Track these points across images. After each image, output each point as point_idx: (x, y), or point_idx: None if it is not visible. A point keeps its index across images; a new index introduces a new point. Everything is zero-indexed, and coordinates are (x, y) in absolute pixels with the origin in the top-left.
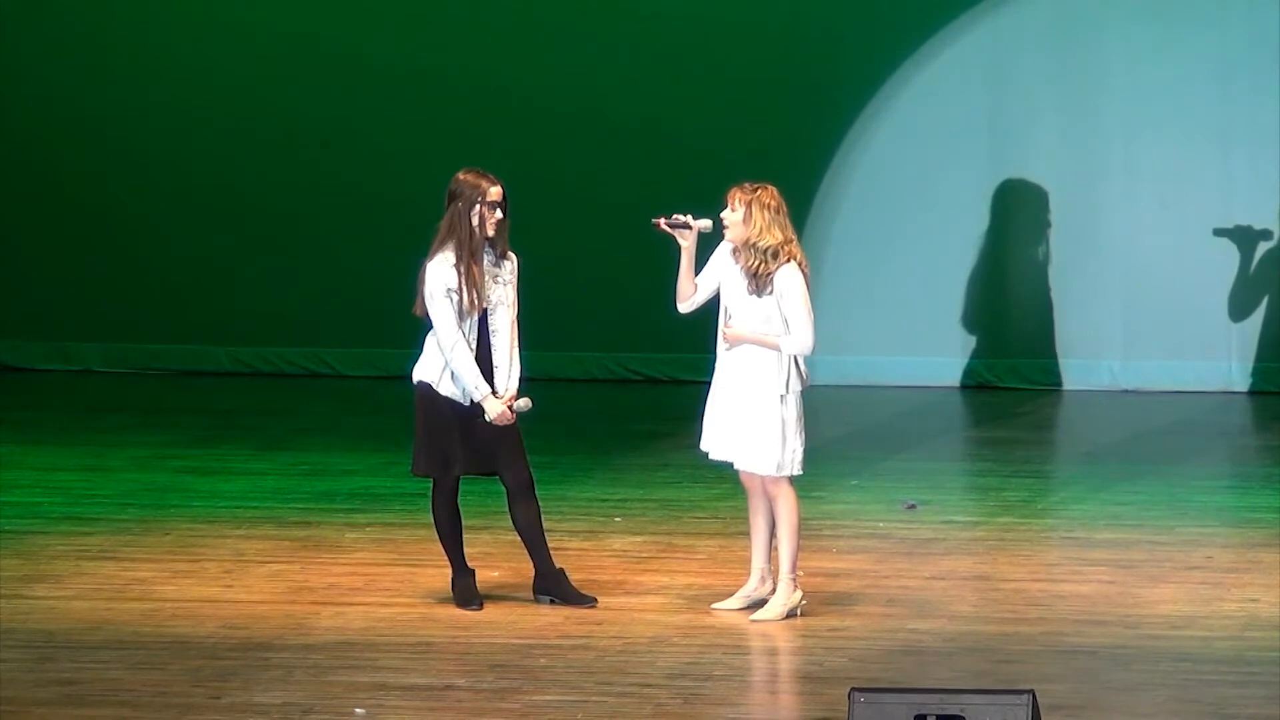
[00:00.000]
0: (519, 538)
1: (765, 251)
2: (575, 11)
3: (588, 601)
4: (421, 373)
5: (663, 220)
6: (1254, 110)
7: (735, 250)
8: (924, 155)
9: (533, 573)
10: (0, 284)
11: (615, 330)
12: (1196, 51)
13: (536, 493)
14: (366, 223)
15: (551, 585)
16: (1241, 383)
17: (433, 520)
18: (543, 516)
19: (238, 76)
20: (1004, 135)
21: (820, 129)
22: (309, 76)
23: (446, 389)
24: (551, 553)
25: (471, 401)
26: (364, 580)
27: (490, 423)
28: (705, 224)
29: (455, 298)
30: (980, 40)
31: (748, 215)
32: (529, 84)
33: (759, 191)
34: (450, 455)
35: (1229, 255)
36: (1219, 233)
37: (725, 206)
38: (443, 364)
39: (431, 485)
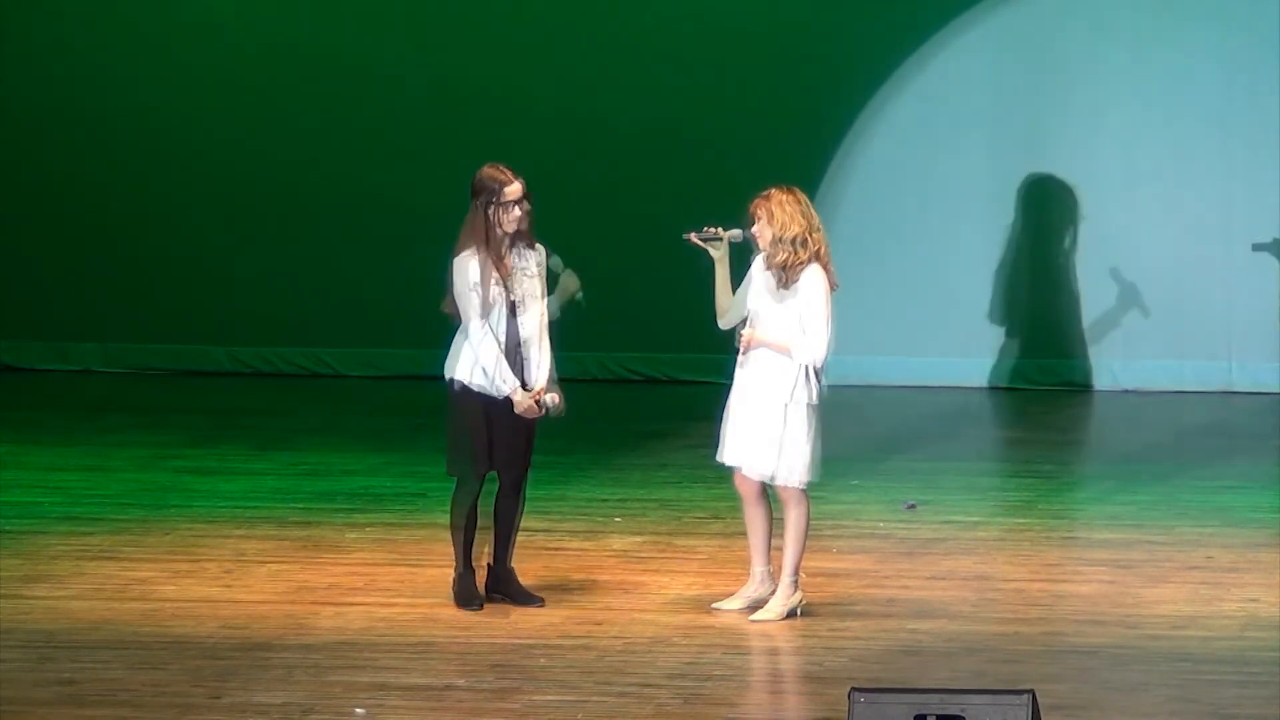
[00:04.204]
0: (493, 527)
1: (793, 241)
2: (574, 13)
3: (535, 601)
4: (456, 370)
5: (693, 234)
6: (1255, 110)
7: (767, 256)
8: (924, 156)
9: (508, 569)
10: (0, 284)
11: (615, 330)
12: (1198, 52)
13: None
14: (366, 223)
15: (503, 583)
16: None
17: (453, 517)
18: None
19: (238, 77)
20: (1004, 136)
21: (820, 130)
22: (311, 78)
23: (478, 382)
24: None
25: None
26: (364, 580)
27: (519, 415)
28: (736, 233)
29: (482, 292)
30: (980, 41)
31: (769, 218)
32: (528, 86)
33: (771, 192)
34: (487, 453)
35: (1229, 255)
36: (1258, 248)
37: (750, 221)
38: (472, 359)
39: (457, 483)
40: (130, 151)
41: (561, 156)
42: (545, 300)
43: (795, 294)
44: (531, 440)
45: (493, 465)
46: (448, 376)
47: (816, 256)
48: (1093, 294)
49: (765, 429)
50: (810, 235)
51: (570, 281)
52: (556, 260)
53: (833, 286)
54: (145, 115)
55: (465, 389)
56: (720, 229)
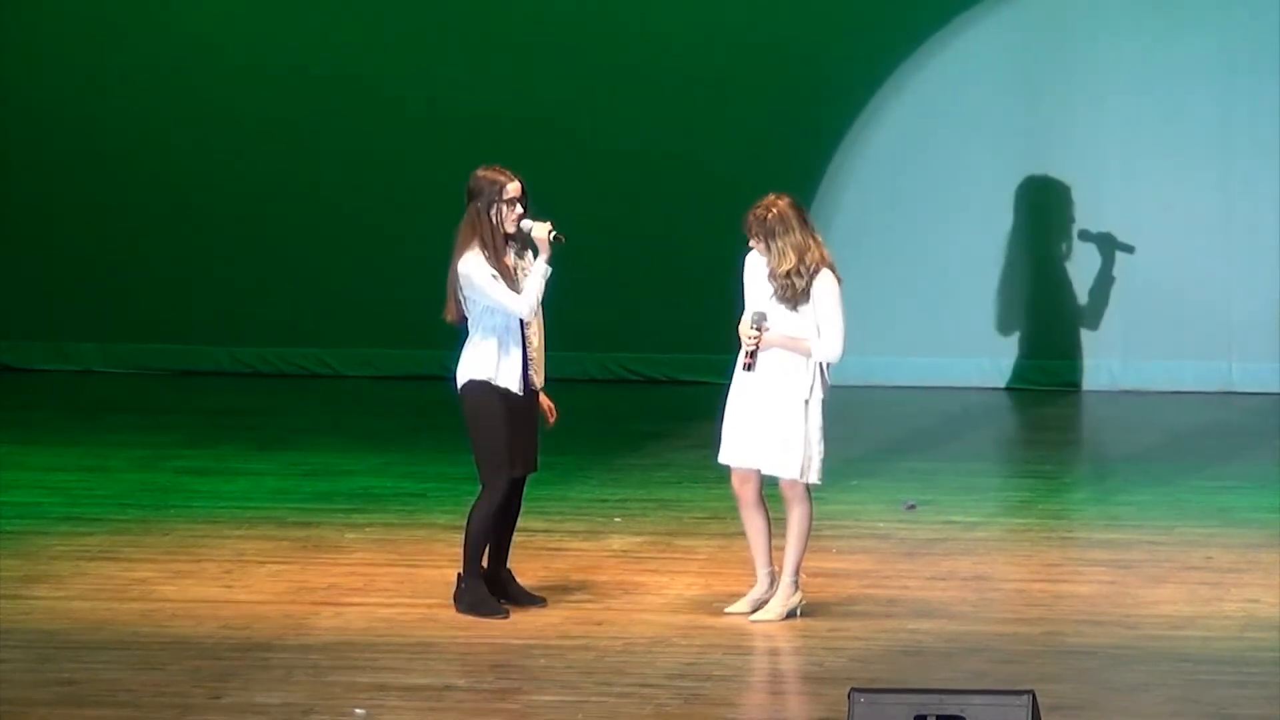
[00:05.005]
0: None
1: (787, 275)
2: (569, 21)
3: (537, 601)
4: (472, 372)
5: (749, 358)
6: (1255, 110)
7: (772, 269)
8: (923, 157)
9: (507, 570)
10: (0, 284)
11: (615, 330)
12: (1197, 51)
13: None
14: (366, 224)
15: (502, 585)
16: None
17: (475, 524)
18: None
19: (239, 81)
20: (1003, 136)
21: (820, 130)
22: (311, 83)
23: (504, 380)
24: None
25: (524, 390)
26: (364, 580)
27: (530, 416)
28: (761, 314)
29: (502, 281)
30: (979, 41)
31: (764, 249)
32: (528, 90)
33: (767, 200)
34: (518, 453)
35: (1229, 255)
36: None
37: (746, 229)
38: (496, 356)
39: (485, 489)
40: (130, 152)
41: (561, 158)
42: (539, 264)
43: (807, 299)
44: (537, 440)
45: (516, 468)
46: (464, 380)
47: (822, 260)
48: (1095, 294)
49: (785, 427)
50: (810, 240)
51: (540, 229)
52: (526, 223)
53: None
54: (145, 116)
55: (485, 388)
56: (754, 331)
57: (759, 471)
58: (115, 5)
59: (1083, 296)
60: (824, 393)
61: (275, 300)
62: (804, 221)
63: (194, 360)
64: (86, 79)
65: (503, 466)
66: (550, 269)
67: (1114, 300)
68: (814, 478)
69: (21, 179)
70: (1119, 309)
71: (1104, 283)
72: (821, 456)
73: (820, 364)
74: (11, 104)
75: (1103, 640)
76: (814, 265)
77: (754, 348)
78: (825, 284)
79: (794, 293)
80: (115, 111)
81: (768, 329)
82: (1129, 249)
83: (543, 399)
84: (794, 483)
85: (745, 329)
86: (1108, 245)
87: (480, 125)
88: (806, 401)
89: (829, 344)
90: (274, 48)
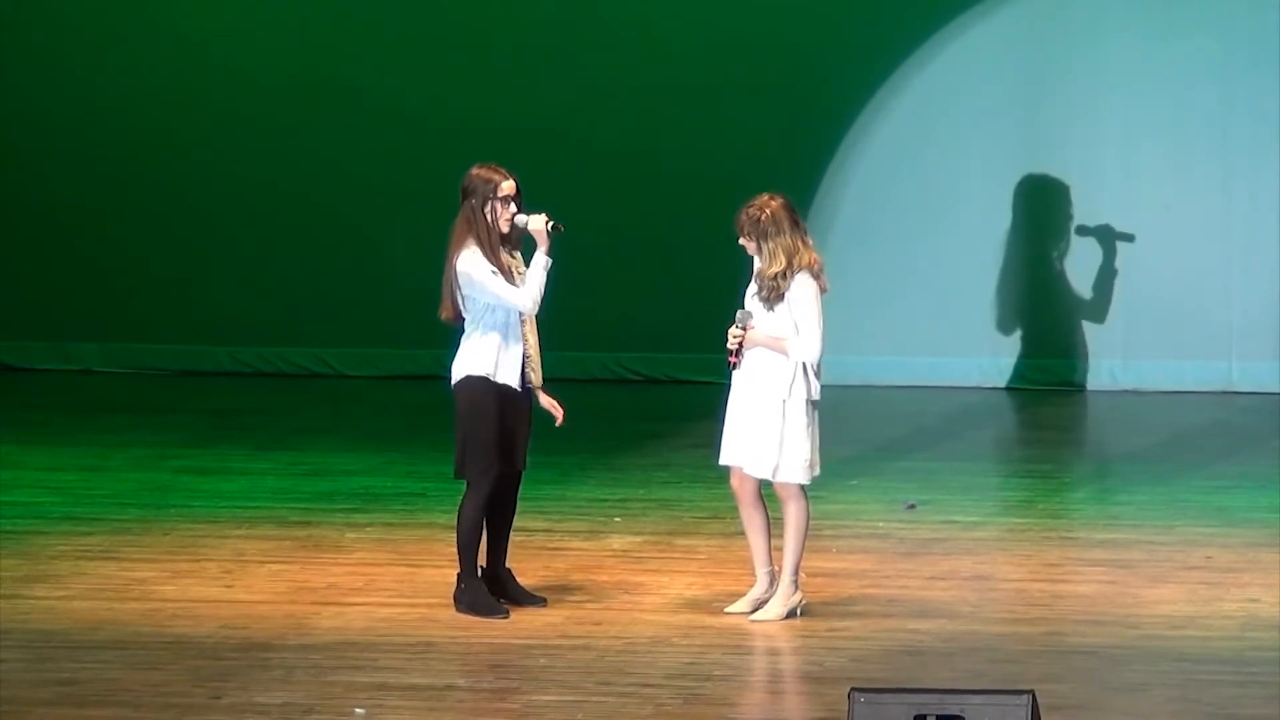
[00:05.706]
0: (488, 527)
1: (775, 277)
2: (568, 22)
3: (538, 601)
4: (470, 367)
5: (735, 358)
6: (1255, 110)
7: (758, 270)
8: (923, 157)
9: (506, 569)
10: (0, 284)
11: (615, 330)
12: (1196, 51)
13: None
14: (367, 224)
15: (502, 584)
16: None
17: (465, 523)
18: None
19: (239, 83)
20: (1003, 137)
21: (820, 130)
22: (311, 85)
23: (503, 376)
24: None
25: (522, 386)
26: (364, 580)
27: (523, 413)
28: (747, 314)
29: (501, 276)
30: (979, 41)
31: (755, 249)
32: (528, 92)
33: (760, 201)
34: (507, 450)
35: (1229, 255)
36: None
37: (738, 229)
38: (495, 353)
39: (470, 487)
40: (130, 153)
41: (561, 158)
42: (538, 256)
43: (786, 301)
44: (529, 438)
45: (504, 465)
46: (460, 376)
47: (806, 266)
48: (1095, 294)
49: (764, 427)
50: (800, 243)
51: (536, 221)
52: (521, 217)
53: (822, 290)
54: (145, 117)
55: (483, 384)
56: (737, 328)
57: None
58: (114, 7)
59: (1084, 294)
60: (808, 393)
61: (275, 300)
62: (796, 224)
63: (194, 360)
64: (86, 80)
65: (491, 464)
66: (550, 260)
67: (1115, 300)
68: (790, 477)
69: (21, 179)
70: (1120, 309)
71: (1106, 275)
72: (805, 456)
73: (802, 365)
74: (12, 105)
75: (1103, 640)
76: (799, 267)
77: (736, 346)
78: (801, 286)
79: (775, 294)
80: (115, 112)
81: (752, 327)
82: (1129, 238)
83: (545, 397)
84: (784, 483)
85: (733, 328)
86: (1107, 237)
87: (480, 126)
88: (784, 401)
89: (806, 345)
90: (275, 50)
